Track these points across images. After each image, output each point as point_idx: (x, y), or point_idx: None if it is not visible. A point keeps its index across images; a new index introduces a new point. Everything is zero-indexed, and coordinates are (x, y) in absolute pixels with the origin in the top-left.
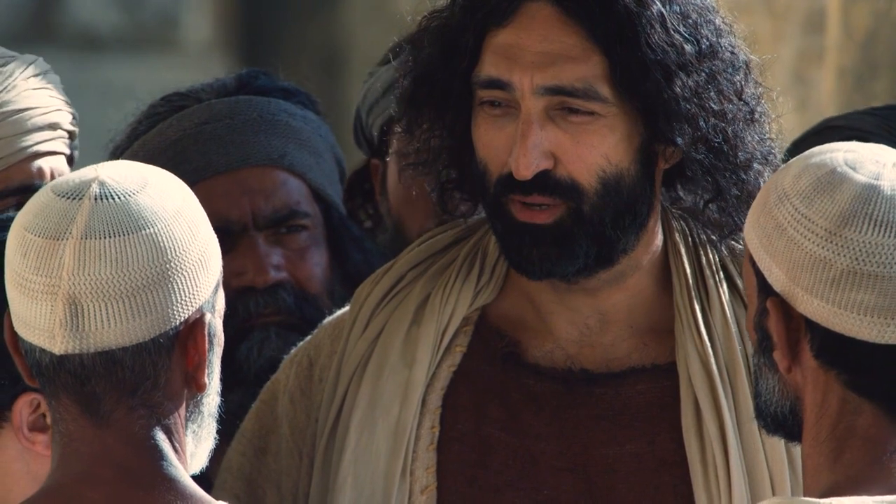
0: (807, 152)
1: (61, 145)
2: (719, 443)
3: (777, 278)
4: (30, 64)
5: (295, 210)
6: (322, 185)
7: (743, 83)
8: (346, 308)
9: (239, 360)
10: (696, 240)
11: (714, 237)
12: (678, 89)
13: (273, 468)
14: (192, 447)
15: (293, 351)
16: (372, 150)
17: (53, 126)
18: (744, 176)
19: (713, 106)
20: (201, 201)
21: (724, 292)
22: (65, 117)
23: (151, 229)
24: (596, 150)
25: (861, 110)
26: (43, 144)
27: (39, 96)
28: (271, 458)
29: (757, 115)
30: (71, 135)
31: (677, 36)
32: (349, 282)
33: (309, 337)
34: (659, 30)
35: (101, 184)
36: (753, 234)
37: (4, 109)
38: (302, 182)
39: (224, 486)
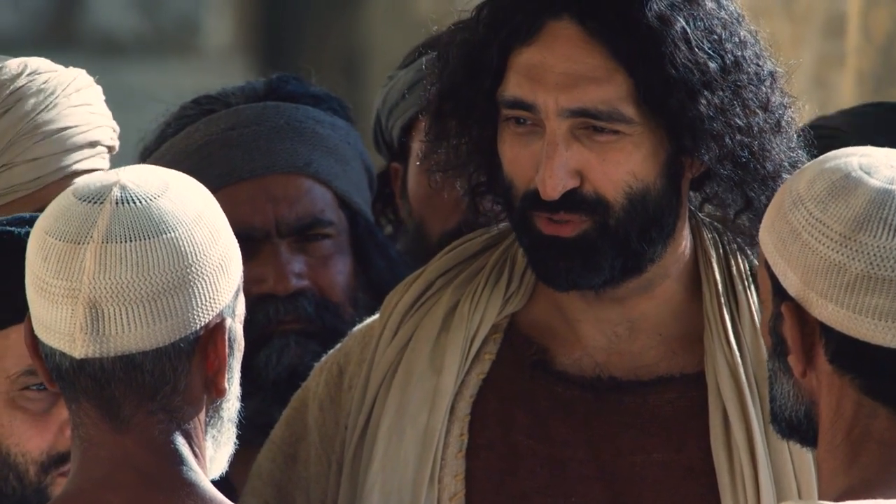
0: (821, 157)
1: (100, 162)
2: (747, 452)
3: (792, 283)
4: (72, 80)
5: (319, 218)
6: (348, 192)
7: (769, 94)
8: (376, 316)
9: (258, 368)
10: (728, 248)
11: (745, 244)
12: (703, 108)
13: (303, 475)
14: (211, 452)
15: (324, 358)
16: (392, 155)
17: (93, 144)
18: (773, 185)
19: (738, 122)
20: (225, 207)
21: (753, 300)
22: (105, 133)
23: (172, 233)
24: (622, 168)
25: (841, 110)
26: (82, 163)
27: (80, 114)
28: (301, 466)
29: (784, 124)
30: (111, 149)
31: (701, 54)
32: (373, 289)
33: (339, 344)
34: (683, 48)
35: (123, 188)
36: (768, 238)
37: (45, 129)
38: (327, 189)
39: (254, 491)
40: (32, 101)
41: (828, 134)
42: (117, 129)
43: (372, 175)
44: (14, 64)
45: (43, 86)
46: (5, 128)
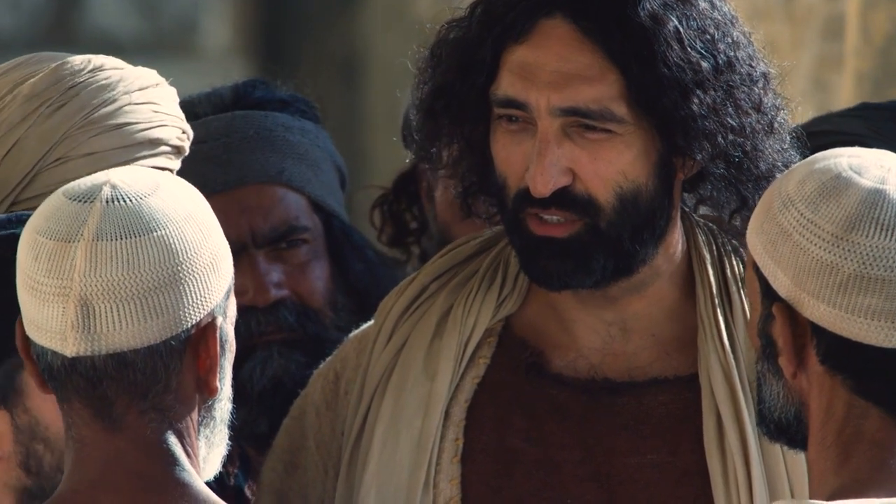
0: (809, 158)
1: (165, 161)
2: (741, 454)
3: (782, 284)
4: (136, 78)
5: (294, 225)
6: (322, 196)
7: (762, 95)
8: (372, 322)
9: (242, 380)
10: (722, 249)
11: (739, 245)
12: (695, 107)
13: (301, 482)
14: (204, 452)
15: (322, 365)
16: None
17: (155, 142)
18: (766, 185)
19: (731, 122)
20: None
21: (747, 302)
22: (170, 133)
23: (162, 231)
24: (613, 167)
25: (845, 112)
26: (143, 161)
27: (142, 111)
28: (300, 473)
29: (776, 126)
30: (178, 151)
31: (694, 53)
32: (351, 291)
33: (336, 350)
34: (676, 47)
35: (113, 187)
36: (757, 240)
37: (102, 124)
38: (301, 196)
39: (258, 502)
40: (91, 96)
41: (851, 141)
42: (189, 131)
43: (343, 175)
44: (77, 60)
45: (104, 82)
46: (60, 121)
